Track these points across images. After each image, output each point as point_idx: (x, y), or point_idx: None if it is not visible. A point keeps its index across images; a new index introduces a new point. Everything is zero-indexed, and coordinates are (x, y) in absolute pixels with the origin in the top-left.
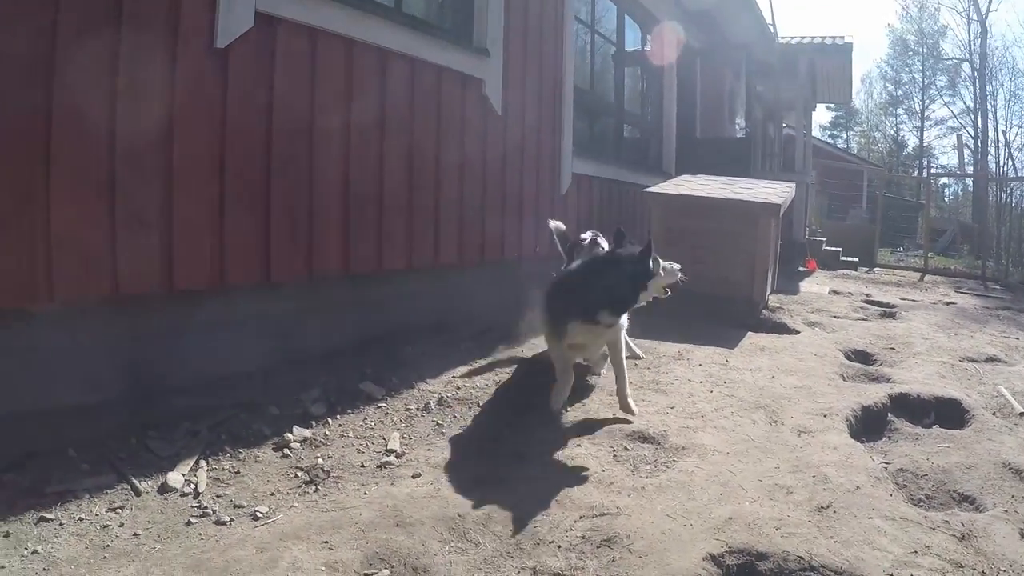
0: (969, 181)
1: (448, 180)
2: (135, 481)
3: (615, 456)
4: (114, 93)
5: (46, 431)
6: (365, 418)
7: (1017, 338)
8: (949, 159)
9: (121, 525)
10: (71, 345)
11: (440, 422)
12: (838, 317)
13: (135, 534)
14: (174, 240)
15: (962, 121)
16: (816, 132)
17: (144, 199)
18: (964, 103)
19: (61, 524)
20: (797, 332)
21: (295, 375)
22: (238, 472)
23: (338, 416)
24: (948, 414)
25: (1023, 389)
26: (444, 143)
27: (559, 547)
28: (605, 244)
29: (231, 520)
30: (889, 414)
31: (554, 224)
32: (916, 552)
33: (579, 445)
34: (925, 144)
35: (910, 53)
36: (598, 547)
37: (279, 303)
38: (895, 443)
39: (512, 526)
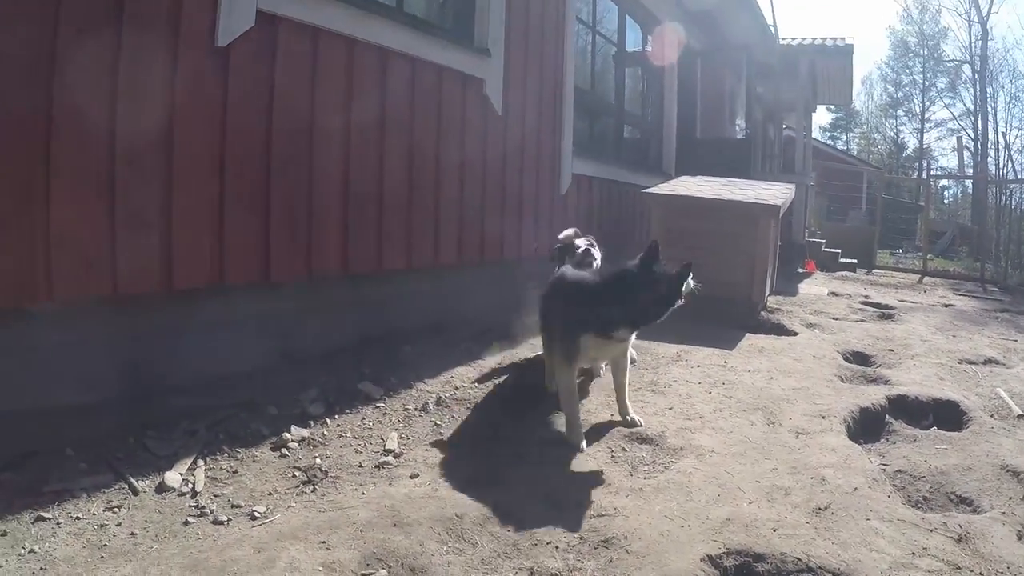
0: (969, 183)
1: (448, 180)
2: (133, 480)
3: (613, 457)
4: (114, 92)
5: (45, 430)
6: (363, 418)
7: (1015, 340)
8: (949, 161)
9: (118, 524)
10: (70, 345)
11: (438, 422)
12: (837, 319)
13: (132, 533)
14: (174, 240)
15: (962, 123)
16: (816, 133)
17: (144, 199)
18: (964, 105)
19: (58, 523)
20: (796, 333)
21: (294, 375)
22: (236, 472)
23: (336, 416)
24: (946, 416)
25: (1021, 391)
26: (444, 143)
27: (557, 548)
28: (599, 255)
29: (228, 520)
30: (887, 416)
31: (565, 234)
32: (914, 554)
33: None
34: (925, 146)
35: (911, 55)
36: (596, 548)
37: (278, 303)
38: (893, 445)
39: (510, 527)
